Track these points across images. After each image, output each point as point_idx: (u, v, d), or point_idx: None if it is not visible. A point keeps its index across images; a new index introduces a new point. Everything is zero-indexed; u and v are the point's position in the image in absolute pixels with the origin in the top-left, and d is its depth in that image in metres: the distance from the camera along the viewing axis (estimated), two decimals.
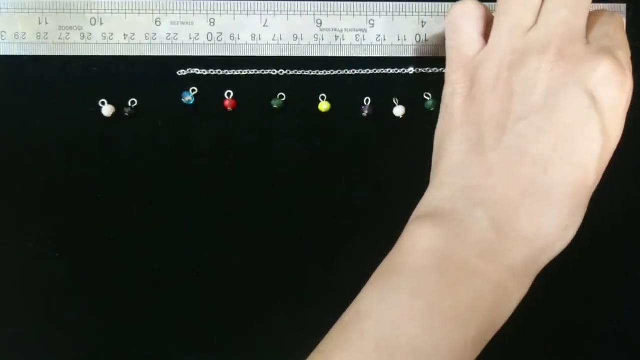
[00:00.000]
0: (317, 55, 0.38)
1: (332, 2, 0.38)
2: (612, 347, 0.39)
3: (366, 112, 0.38)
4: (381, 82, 0.39)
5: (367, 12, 0.38)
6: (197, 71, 0.38)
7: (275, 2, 0.38)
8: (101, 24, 0.38)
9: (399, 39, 0.38)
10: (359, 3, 0.38)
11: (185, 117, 0.38)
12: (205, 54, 0.38)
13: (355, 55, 0.38)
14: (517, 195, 0.28)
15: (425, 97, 0.39)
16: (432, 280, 0.27)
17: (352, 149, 0.39)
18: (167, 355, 0.38)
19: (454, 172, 0.31)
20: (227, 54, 0.38)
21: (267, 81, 0.38)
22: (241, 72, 0.38)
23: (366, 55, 0.38)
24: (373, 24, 0.38)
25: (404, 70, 0.39)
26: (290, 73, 0.38)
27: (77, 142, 0.38)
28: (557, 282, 0.35)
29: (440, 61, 0.38)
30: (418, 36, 0.38)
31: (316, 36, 0.38)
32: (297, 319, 0.38)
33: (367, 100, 0.38)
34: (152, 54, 0.38)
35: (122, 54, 0.38)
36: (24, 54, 0.38)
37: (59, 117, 0.38)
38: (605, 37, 0.29)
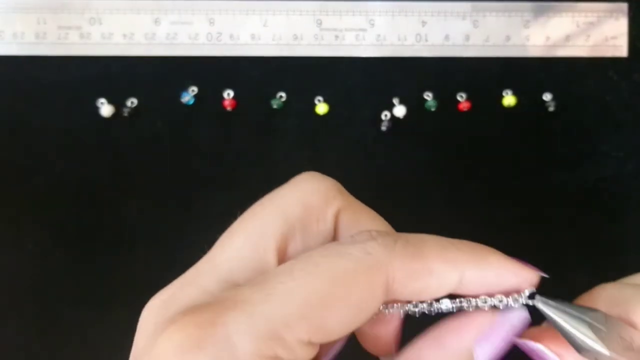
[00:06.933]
0: (317, 55, 0.38)
1: (332, 2, 0.38)
2: None
3: (385, 126, 0.38)
4: (380, 83, 0.39)
5: (367, 11, 0.38)
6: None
7: (275, 1, 0.38)
8: (100, 23, 0.37)
9: (399, 39, 0.38)
10: (359, 3, 0.38)
11: (185, 117, 0.38)
12: (205, 54, 0.38)
13: (355, 55, 0.38)
14: None
15: (425, 97, 0.38)
16: None
17: (352, 148, 0.39)
18: None
19: None
20: (227, 54, 0.38)
21: (267, 81, 0.38)
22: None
23: (366, 55, 0.38)
24: (373, 24, 0.38)
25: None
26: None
27: (76, 142, 0.38)
28: None
29: (441, 61, 0.38)
30: (418, 36, 0.38)
31: (316, 36, 0.38)
32: None
33: (386, 115, 0.38)
34: (151, 54, 0.38)
35: (121, 54, 0.38)
36: (22, 53, 0.37)
37: (57, 117, 0.38)
38: None
